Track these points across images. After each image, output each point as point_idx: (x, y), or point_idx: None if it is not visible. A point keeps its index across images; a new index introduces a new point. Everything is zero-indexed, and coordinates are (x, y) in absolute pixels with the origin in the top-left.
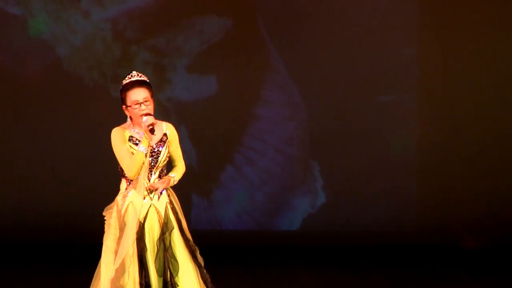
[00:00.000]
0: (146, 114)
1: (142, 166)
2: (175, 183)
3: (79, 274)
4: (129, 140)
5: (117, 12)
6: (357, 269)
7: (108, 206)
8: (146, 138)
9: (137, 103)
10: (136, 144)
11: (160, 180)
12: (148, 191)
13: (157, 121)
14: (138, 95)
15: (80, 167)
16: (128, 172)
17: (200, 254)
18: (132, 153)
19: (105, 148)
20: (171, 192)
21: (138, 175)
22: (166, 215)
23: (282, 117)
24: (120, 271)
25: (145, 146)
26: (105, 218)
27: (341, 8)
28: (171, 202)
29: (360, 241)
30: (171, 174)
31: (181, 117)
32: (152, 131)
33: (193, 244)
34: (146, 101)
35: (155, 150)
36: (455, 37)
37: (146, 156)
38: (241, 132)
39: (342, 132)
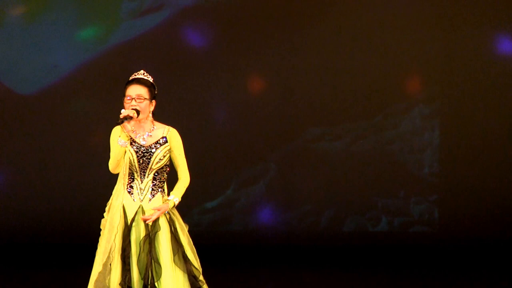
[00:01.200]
0: (134, 109)
1: (119, 160)
2: (175, 204)
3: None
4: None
5: None
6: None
7: (108, 203)
8: (123, 132)
9: (129, 98)
10: (130, 143)
11: (157, 207)
12: (142, 191)
13: (159, 124)
14: (133, 90)
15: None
16: (109, 166)
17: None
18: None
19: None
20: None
21: (133, 172)
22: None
23: None
24: (103, 271)
25: (123, 140)
26: (104, 216)
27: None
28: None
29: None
30: (170, 196)
31: None
32: (120, 122)
33: (191, 253)
34: (138, 98)
35: (148, 150)
36: None
37: (144, 153)
38: None
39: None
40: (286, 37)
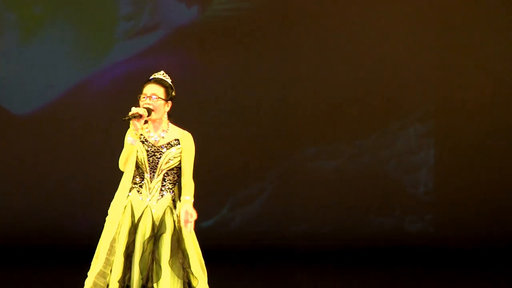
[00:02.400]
0: (147, 108)
1: (128, 158)
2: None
3: None
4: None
5: None
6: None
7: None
8: (133, 130)
9: (144, 96)
10: (142, 142)
11: (185, 211)
12: (150, 191)
13: (175, 127)
14: (149, 89)
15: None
16: (119, 162)
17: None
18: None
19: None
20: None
21: (143, 171)
22: (162, 218)
23: None
24: (106, 268)
25: (133, 138)
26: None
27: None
28: (175, 208)
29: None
30: (186, 197)
31: None
32: (128, 119)
33: (195, 260)
34: (153, 96)
35: (158, 150)
36: None
37: (157, 152)
38: None
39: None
40: (282, 59)
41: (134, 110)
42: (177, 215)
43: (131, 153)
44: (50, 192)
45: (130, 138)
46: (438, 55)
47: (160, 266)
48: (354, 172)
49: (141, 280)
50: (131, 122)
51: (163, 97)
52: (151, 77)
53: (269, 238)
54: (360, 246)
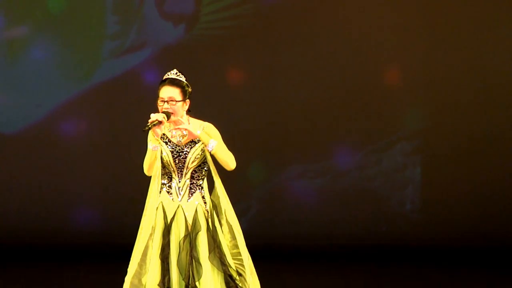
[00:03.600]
0: (165, 113)
1: (152, 164)
2: (209, 148)
3: None
4: (161, 138)
5: None
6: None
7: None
8: (153, 135)
9: (162, 100)
10: (166, 143)
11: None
12: (180, 191)
13: (195, 121)
14: (165, 92)
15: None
16: (143, 167)
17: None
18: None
19: None
20: (215, 195)
21: (171, 172)
22: (194, 217)
23: None
24: (142, 270)
25: (154, 144)
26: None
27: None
28: (206, 204)
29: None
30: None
31: None
32: (148, 128)
33: (229, 253)
34: (170, 100)
35: (183, 150)
36: None
37: (179, 153)
38: None
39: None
40: (269, 79)
41: (153, 117)
42: (207, 210)
43: (154, 158)
44: (37, 210)
45: (152, 144)
46: (426, 75)
47: (200, 264)
48: (340, 190)
49: (182, 281)
50: (151, 130)
51: (180, 98)
52: (164, 78)
53: (255, 255)
54: (349, 262)
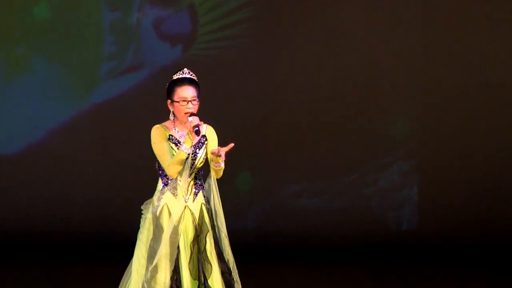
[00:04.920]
0: (191, 114)
1: (182, 166)
2: (221, 165)
3: None
4: (169, 139)
5: None
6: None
7: (147, 201)
8: (190, 138)
9: (185, 100)
10: (175, 144)
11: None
12: (186, 191)
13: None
14: (187, 92)
15: None
16: (169, 171)
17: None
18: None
19: None
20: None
21: (178, 175)
22: (201, 217)
23: None
24: (153, 272)
25: (188, 146)
26: (142, 212)
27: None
28: (207, 203)
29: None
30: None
31: None
32: (197, 132)
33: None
34: (193, 100)
35: (193, 151)
36: None
37: (188, 157)
38: None
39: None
40: (265, 99)
41: (195, 120)
42: (209, 208)
43: (184, 161)
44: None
45: (186, 147)
46: (422, 92)
47: (209, 263)
48: (337, 210)
49: (193, 281)
50: (190, 133)
51: (197, 97)
52: (178, 78)
53: (252, 275)
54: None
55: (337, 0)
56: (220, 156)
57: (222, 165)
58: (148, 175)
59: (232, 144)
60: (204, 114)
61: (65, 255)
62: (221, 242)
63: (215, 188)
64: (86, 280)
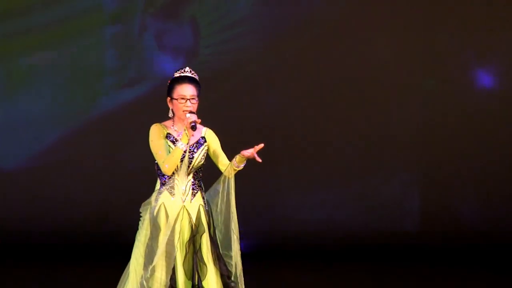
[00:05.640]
0: (190, 112)
1: (178, 163)
2: (242, 166)
3: None
4: (167, 137)
5: None
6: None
7: (144, 203)
8: (187, 135)
9: (183, 98)
10: (173, 142)
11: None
12: (184, 192)
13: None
14: (186, 90)
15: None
16: (163, 168)
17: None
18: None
19: None
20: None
21: (173, 172)
22: (198, 217)
23: None
24: (152, 271)
25: (184, 143)
26: (141, 214)
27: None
28: (206, 205)
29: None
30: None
31: None
32: (194, 127)
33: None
34: (192, 99)
35: (190, 150)
36: None
37: (185, 153)
38: None
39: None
40: (268, 108)
41: (192, 117)
42: (207, 210)
43: (180, 158)
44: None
45: (182, 143)
46: (421, 102)
47: (205, 264)
48: (338, 222)
49: (187, 281)
50: (187, 129)
51: (197, 96)
52: (178, 75)
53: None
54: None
55: (334, 15)
56: (253, 158)
57: (242, 166)
58: (148, 178)
59: (262, 145)
60: (205, 123)
61: (65, 255)
62: (233, 245)
63: (233, 191)
64: (86, 280)
